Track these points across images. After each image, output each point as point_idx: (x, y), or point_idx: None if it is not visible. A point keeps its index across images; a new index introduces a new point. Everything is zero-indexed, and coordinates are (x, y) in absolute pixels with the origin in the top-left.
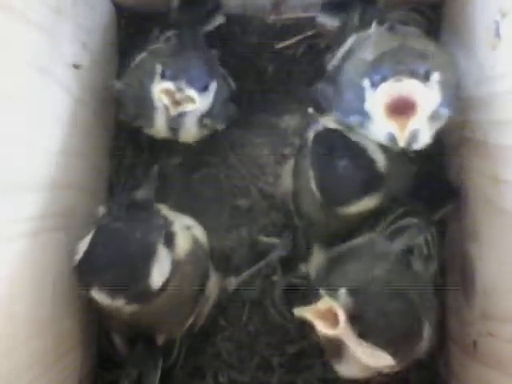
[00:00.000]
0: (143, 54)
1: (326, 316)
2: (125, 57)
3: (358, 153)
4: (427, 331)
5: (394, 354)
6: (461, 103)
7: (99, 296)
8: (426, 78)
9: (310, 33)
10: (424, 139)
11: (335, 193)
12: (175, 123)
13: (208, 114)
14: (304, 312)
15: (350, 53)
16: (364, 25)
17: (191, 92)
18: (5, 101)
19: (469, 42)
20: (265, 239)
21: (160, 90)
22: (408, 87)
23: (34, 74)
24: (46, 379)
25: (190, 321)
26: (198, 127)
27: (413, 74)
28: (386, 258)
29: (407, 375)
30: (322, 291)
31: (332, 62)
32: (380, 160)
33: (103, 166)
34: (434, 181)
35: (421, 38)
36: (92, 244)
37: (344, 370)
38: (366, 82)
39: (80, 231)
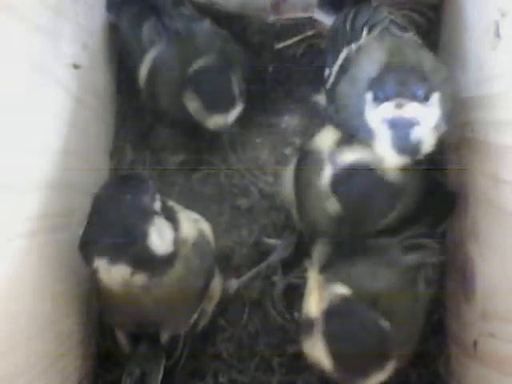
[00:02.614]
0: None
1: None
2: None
3: (376, 182)
4: (391, 364)
5: (335, 366)
6: (461, 103)
7: (103, 268)
8: (426, 99)
9: (309, 33)
10: (425, 149)
11: (362, 223)
12: None
13: None
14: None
15: (343, 70)
16: (354, 33)
17: None
18: (5, 101)
19: (469, 42)
20: (267, 241)
21: None
22: (409, 109)
23: (34, 73)
24: (46, 379)
25: (194, 318)
26: None
27: (414, 97)
28: (394, 266)
29: (407, 375)
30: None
31: (329, 80)
32: (394, 178)
33: (103, 165)
34: (435, 192)
35: (415, 46)
36: (88, 217)
37: (308, 348)
38: (369, 96)
39: (80, 231)
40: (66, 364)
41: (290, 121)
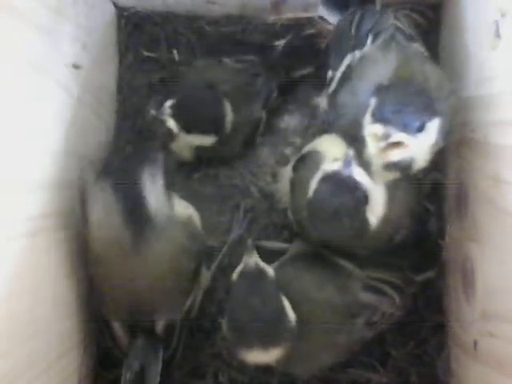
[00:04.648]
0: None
1: None
2: None
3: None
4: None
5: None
6: (461, 103)
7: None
8: (419, 130)
9: (309, 32)
10: (419, 164)
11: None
12: None
13: None
14: None
15: (345, 78)
16: (359, 39)
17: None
18: (4, 100)
19: (469, 42)
20: (264, 243)
21: None
22: (396, 139)
23: (34, 73)
24: (46, 379)
25: (188, 304)
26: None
27: (405, 129)
28: (344, 293)
29: (407, 375)
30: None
31: (332, 86)
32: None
33: None
34: (421, 244)
35: (421, 59)
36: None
37: None
38: (369, 109)
39: (80, 231)
40: (65, 364)
41: (289, 121)
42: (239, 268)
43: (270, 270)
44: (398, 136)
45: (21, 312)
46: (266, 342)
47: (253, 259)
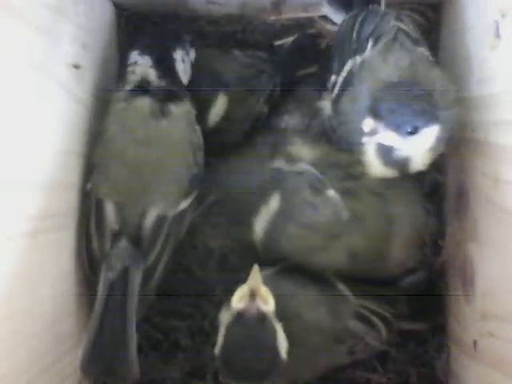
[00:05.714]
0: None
1: None
2: None
3: None
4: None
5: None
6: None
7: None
8: (411, 133)
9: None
10: (418, 165)
11: None
12: None
13: None
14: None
15: (346, 84)
16: (360, 44)
17: None
18: (4, 101)
19: (469, 42)
20: None
21: None
22: (383, 137)
23: (34, 74)
24: (46, 379)
25: (183, 206)
26: None
27: (396, 129)
28: (334, 319)
29: (407, 375)
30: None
31: (334, 91)
32: None
33: None
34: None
35: (426, 64)
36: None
37: None
38: (368, 118)
39: (80, 231)
40: (66, 364)
41: (289, 121)
42: (238, 305)
43: (270, 312)
44: (385, 134)
45: (21, 312)
46: (255, 380)
47: (256, 305)
